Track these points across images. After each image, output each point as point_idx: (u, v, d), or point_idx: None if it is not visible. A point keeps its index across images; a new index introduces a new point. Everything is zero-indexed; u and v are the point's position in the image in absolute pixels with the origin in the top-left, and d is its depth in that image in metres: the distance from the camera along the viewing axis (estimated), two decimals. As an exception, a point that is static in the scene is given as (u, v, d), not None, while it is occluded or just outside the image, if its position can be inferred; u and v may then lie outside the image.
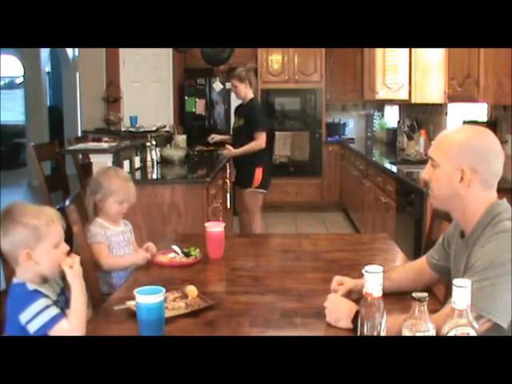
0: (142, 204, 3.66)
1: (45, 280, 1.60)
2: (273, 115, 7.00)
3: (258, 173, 4.54)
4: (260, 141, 4.44)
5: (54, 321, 1.50)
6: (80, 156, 4.66)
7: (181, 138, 5.15)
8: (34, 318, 1.48)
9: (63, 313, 1.55)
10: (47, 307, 1.51)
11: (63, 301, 1.64)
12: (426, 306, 1.23)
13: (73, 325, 1.51)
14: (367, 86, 6.67)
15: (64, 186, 4.38)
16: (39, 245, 1.55)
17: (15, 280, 1.56)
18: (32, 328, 1.49)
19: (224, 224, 2.42)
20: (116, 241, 2.35)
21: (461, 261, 1.60)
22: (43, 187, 4.07)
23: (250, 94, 4.57)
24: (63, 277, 1.64)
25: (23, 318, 1.49)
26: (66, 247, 1.63)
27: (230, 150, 4.59)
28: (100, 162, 3.68)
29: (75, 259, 1.60)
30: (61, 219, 1.63)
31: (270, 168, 4.77)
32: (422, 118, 5.37)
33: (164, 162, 4.66)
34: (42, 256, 1.55)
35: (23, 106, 9.68)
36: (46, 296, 1.54)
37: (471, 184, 1.53)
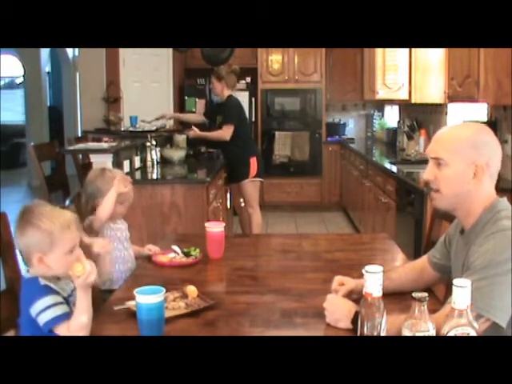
0: (142, 204, 3.66)
1: (58, 277, 1.61)
2: (273, 115, 7.01)
3: (253, 162, 4.77)
4: (225, 132, 4.70)
5: (59, 319, 1.50)
6: (80, 156, 4.66)
7: (181, 138, 5.15)
8: (42, 312, 1.50)
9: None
10: (56, 304, 1.52)
11: (75, 296, 1.64)
12: (426, 306, 1.23)
13: (72, 330, 1.50)
14: (367, 86, 6.67)
15: (64, 186, 4.38)
16: (52, 250, 1.55)
17: (27, 275, 1.58)
18: (41, 321, 1.50)
19: (224, 224, 2.42)
20: (116, 235, 2.35)
21: (460, 258, 1.60)
22: (43, 187, 4.06)
23: (226, 92, 4.79)
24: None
25: (33, 310, 1.51)
26: (81, 253, 1.61)
27: (195, 132, 4.84)
28: (100, 161, 3.67)
29: (85, 272, 1.51)
30: (78, 224, 1.63)
31: (261, 158, 5.00)
32: (422, 118, 5.37)
33: (164, 162, 4.66)
34: (54, 261, 1.56)
35: (23, 105, 9.68)
36: (57, 292, 1.56)
37: (482, 179, 1.52)
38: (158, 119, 5.16)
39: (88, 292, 1.55)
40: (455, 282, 1.19)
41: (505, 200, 1.57)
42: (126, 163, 4.10)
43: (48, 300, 1.51)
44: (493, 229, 1.48)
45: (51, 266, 1.55)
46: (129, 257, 2.38)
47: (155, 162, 4.53)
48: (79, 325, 1.51)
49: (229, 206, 5.16)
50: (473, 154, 1.52)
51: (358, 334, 1.34)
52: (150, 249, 2.40)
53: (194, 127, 4.88)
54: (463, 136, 1.55)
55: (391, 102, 6.36)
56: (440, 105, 4.67)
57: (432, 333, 1.24)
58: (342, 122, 7.47)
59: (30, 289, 1.55)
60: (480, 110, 4.07)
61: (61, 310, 1.52)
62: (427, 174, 1.60)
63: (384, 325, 1.31)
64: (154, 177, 4.23)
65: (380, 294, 1.30)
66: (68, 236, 1.57)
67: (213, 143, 5.03)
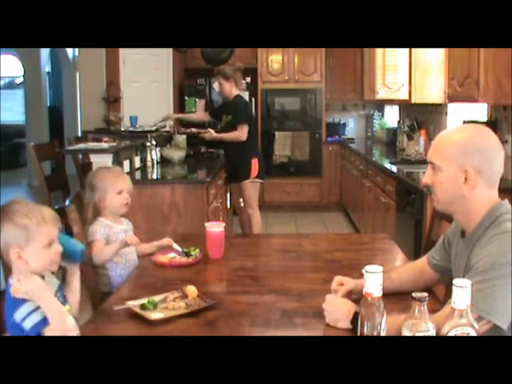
0: (141, 204, 3.66)
1: (41, 277, 1.57)
2: (273, 115, 7.02)
3: (255, 163, 4.74)
4: (241, 132, 4.66)
5: (40, 325, 1.48)
6: (80, 156, 4.66)
7: (181, 138, 5.15)
8: (25, 318, 1.48)
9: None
10: (36, 309, 1.49)
11: (61, 297, 1.64)
12: (425, 306, 1.23)
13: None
14: (367, 86, 6.67)
15: (64, 186, 4.38)
16: (29, 245, 1.54)
17: (10, 280, 1.56)
18: (26, 326, 1.49)
19: (224, 224, 2.42)
20: (120, 238, 2.34)
21: (461, 260, 1.59)
22: (43, 187, 4.07)
23: (234, 92, 4.73)
24: (63, 274, 1.64)
25: (17, 317, 1.49)
26: (59, 248, 1.61)
27: (210, 134, 4.79)
28: (100, 161, 3.67)
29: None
30: (56, 220, 1.61)
31: (263, 159, 4.97)
32: (422, 118, 5.37)
33: (164, 162, 4.66)
34: (32, 256, 1.55)
35: (23, 105, 9.68)
36: None
37: (476, 184, 1.51)
38: (163, 121, 5.13)
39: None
40: (455, 282, 1.19)
41: (506, 202, 1.55)
42: (126, 163, 4.10)
43: (27, 307, 1.49)
44: (496, 231, 1.47)
45: (29, 260, 1.54)
46: (131, 261, 2.37)
47: (155, 162, 4.53)
48: (58, 331, 1.48)
49: (229, 206, 5.16)
50: (462, 159, 1.51)
51: (358, 334, 1.34)
52: (169, 241, 2.39)
53: (209, 129, 4.85)
54: (454, 140, 1.55)
55: (391, 101, 6.36)
56: (440, 105, 4.67)
57: (432, 333, 1.24)
58: (342, 122, 7.47)
59: (10, 296, 1.52)
60: (480, 110, 4.07)
61: (40, 315, 1.49)
62: (425, 178, 1.61)
63: (384, 325, 1.31)
64: (154, 177, 4.23)
65: (380, 293, 1.30)
66: (44, 230, 1.56)
67: (213, 143, 5.02)
